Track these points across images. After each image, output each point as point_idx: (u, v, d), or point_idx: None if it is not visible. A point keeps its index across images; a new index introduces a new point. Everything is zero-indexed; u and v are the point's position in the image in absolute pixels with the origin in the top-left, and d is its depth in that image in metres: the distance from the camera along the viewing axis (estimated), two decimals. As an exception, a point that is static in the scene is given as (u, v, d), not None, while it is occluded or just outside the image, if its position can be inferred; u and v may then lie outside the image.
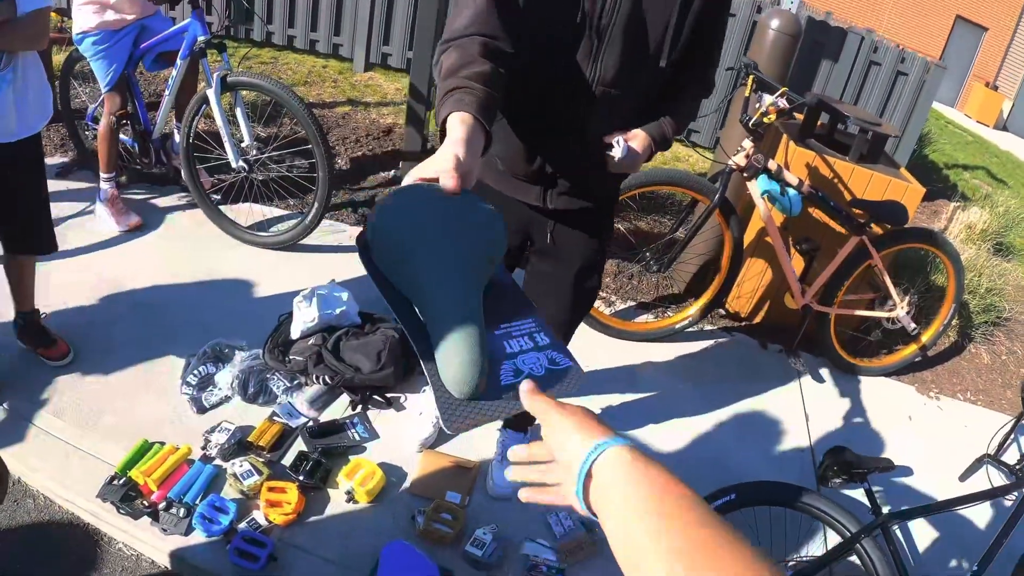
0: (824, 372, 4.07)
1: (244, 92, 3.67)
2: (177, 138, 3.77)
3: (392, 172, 4.74)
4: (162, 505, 2.36)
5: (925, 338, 4.26)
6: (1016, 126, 21.56)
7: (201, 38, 3.49)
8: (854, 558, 2.36)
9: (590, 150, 1.93)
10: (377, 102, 5.89)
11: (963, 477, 3.39)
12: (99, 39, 3.44)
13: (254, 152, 3.64)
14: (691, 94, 2.04)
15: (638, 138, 1.91)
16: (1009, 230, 7.53)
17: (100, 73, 3.54)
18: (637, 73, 1.83)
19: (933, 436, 3.88)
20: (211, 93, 3.47)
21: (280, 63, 6.29)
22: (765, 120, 3.28)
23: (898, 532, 3.09)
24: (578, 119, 1.87)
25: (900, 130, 6.48)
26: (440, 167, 1.05)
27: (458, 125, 1.25)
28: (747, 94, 3.41)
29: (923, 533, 3.12)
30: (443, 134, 1.29)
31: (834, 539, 2.41)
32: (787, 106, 3.22)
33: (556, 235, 2.16)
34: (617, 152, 1.86)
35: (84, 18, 3.41)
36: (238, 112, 3.58)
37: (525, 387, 0.83)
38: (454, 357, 0.82)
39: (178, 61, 3.62)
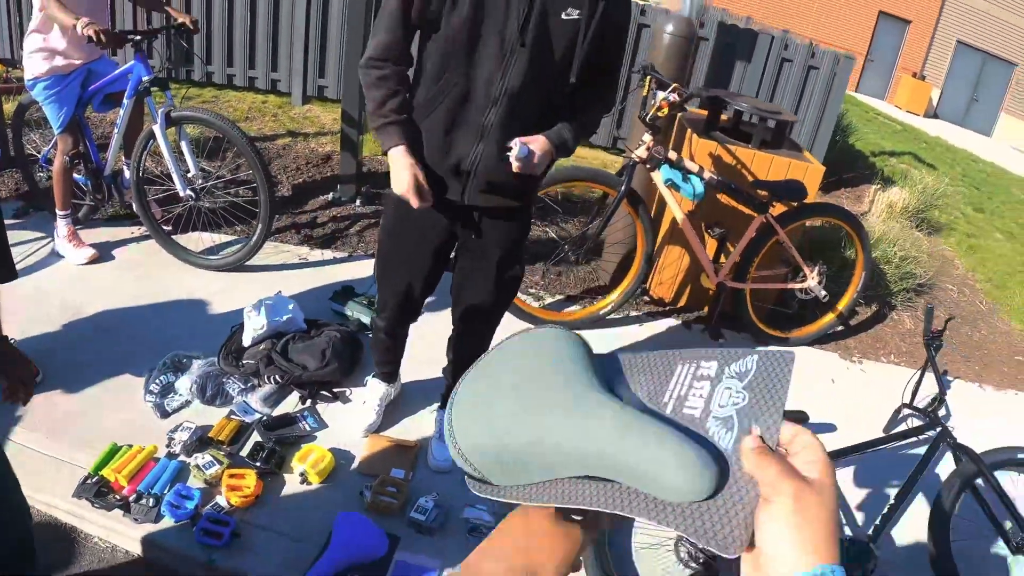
0: (747, 346, 4.40)
1: (188, 128, 3.95)
2: (127, 174, 4.02)
3: (331, 194, 5.02)
4: (132, 498, 2.58)
5: (841, 306, 4.60)
6: (945, 112, 22.38)
7: (145, 78, 3.76)
8: None
9: (497, 151, 2.26)
10: (316, 132, 6.17)
11: (887, 428, 3.64)
12: (50, 84, 3.70)
13: (200, 181, 3.90)
14: (593, 108, 2.38)
15: (538, 142, 2.23)
16: (931, 207, 7.95)
17: (52, 116, 3.79)
18: (542, 85, 2.20)
19: (857, 395, 4.20)
20: (157, 129, 3.73)
21: (221, 101, 6.55)
22: (660, 114, 3.60)
23: None
24: (486, 123, 2.22)
25: (816, 119, 6.90)
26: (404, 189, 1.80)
27: (402, 155, 2.08)
28: (645, 93, 3.74)
29: (850, 478, 3.46)
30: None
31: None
32: (678, 99, 3.55)
33: (479, 230, 2.47)
34: (515, 153, 2.18)
35: (35, 65, 3.67)
36: (183, 145, 3.84)
37: (748, 445, 0.61)
38: (662, 471, 0.62)
39: (125, 101, 3.88)
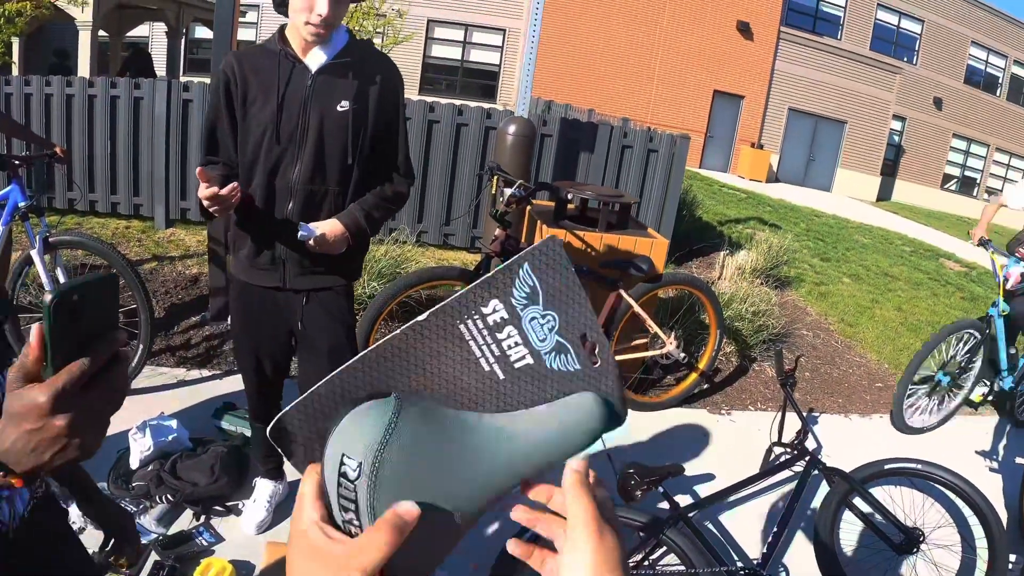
0: (619, 413, 4.68)
1: (64, 254, 4.00)
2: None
3: (202, 315, 5.13)
4: (31, 635, 2.62)
5: (702, 365, 4.97)
6: (786, 175, 24.09)
7: (22, 204, 3.82)
8: (673, 557, 2.79)
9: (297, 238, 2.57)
10: (181, 255, 6.25)
11: (762, 468, 3.90)
12: None
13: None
14: (384, 192, 2.69)
15: (327, 223, 2.54)
16: (779, 264, 8.59)
17: None
18: (330, 172, 2.54)
19: (729, 444, 4.53)
20: (35, 254, 3.78)
21: (85, 227, 6.54)
22: (508, 209, 3.92)
23: (708, 524, 3.66)
24: (289, 214, 2.55)
25: (661, 198, 7.44)
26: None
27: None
28: (493, 191, 4.07)
29: (735, 515, 3.76)
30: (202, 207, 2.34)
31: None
32: (523, 194, 3.89)
33: (305, 320, 2.74)
34: (300, 234, 2.47)
35: None
36: (58, 271, 3.90)
37: (572, 469, 0.64)
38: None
39: (0, 227, 3.92)
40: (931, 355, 5.34)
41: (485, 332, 0.65)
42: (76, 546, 1.59)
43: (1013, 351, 5.52)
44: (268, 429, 0.66)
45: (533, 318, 0.65)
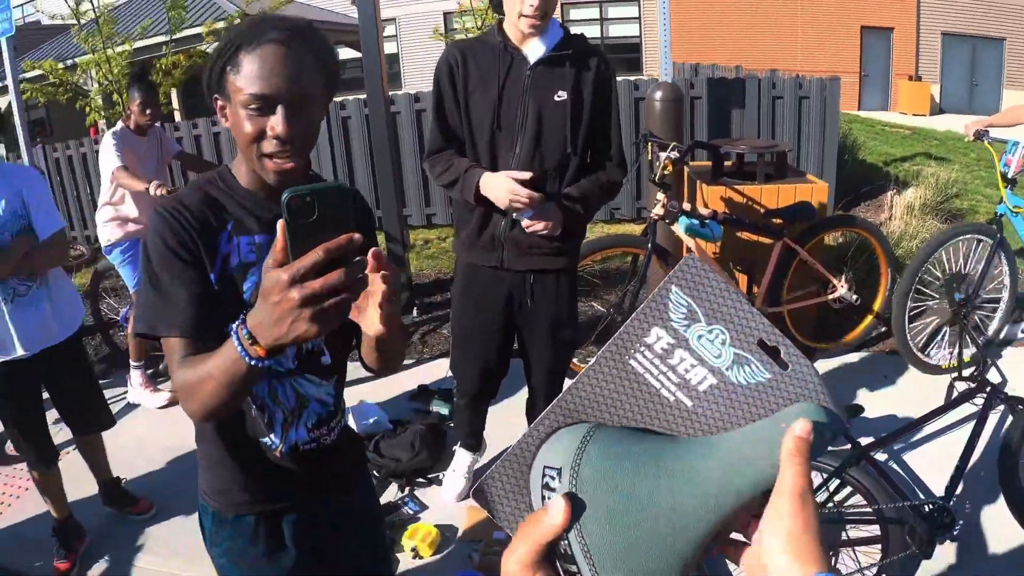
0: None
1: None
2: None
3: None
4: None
5: (876, 307, 4.82)
6: (950, 105, 22.46)
7: None
8: (857, 496, 2.75)
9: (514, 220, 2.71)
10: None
11: (945, 405, 3.82)
12: (125, 248, 4.17)
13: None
14: (599, 179, 2.79)
15: (543, 206, 2.64)
16: (951, 197, 8.15)
17: (128, 277, 4.25)
18: (548, 159, 2.66)
19: (912, 385, 4.40)
20: None
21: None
22: (666, 172, 3.95)
23: (891, 463, 3.61)
24: None
25: (820, 144, 7.22)
26: (509, 192, 2.46)
27: (490, 176, 2.61)
28: (649, 158, 4.11)
29: (918, 451, 3.70)
30: (476, 194, 2.63)
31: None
32: (678, 155, 3.91)
33: (533, 297, 2.87)
34: (517, 215, 2.62)
35: (110, 232, 4.15)
36: None
37: (797, 433, 0.56)
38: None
39: None
40: (936, 273, 4.65)
41: (656, 361, 0.63)
42: (363, 497, 1.84)
43: None
44: (471, 491, 0.66)
45: (700, 336, 0.62)
